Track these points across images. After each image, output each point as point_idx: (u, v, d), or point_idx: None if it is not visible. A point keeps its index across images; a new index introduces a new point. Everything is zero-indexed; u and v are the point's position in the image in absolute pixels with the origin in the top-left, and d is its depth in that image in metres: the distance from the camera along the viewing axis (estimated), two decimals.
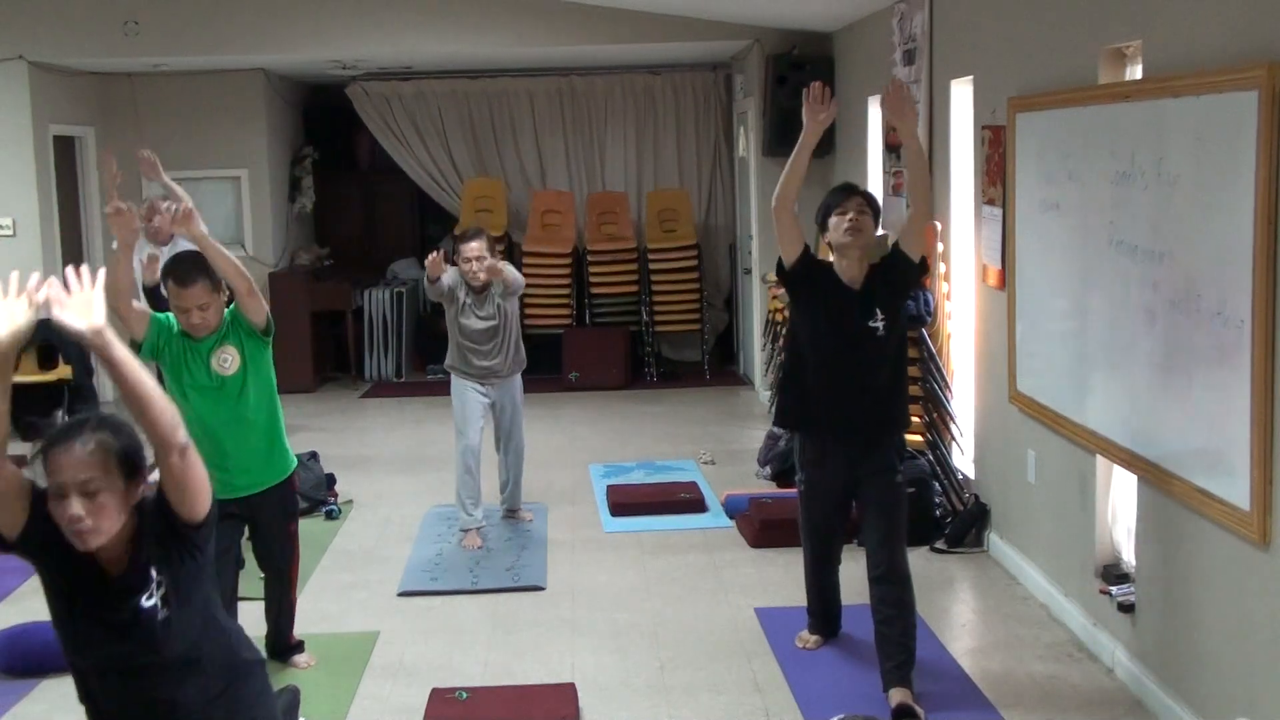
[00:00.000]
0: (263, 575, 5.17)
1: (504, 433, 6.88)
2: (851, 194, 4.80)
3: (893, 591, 4.67)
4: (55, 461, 2.69)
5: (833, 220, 4.76)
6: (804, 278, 4.82)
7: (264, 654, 5.04)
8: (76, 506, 2.66)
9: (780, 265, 4.85)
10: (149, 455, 2.78)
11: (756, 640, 5.32)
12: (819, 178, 9.94)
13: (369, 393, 11.19)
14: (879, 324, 4.72)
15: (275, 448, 4.98)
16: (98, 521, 2.68)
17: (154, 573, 2.77)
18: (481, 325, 6.63)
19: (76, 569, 2.77)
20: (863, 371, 4.75)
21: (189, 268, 4.71)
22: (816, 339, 4.81)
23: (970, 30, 6.50)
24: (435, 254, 6.48)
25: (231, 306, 4.81)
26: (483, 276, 6.53)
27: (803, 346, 4.89)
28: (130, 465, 2.75)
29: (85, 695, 2.93)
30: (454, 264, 6.66)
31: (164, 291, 4.83)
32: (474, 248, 6.50)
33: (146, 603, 2.76)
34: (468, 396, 6.70)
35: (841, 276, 4.77)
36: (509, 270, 6.59)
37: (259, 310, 4.78)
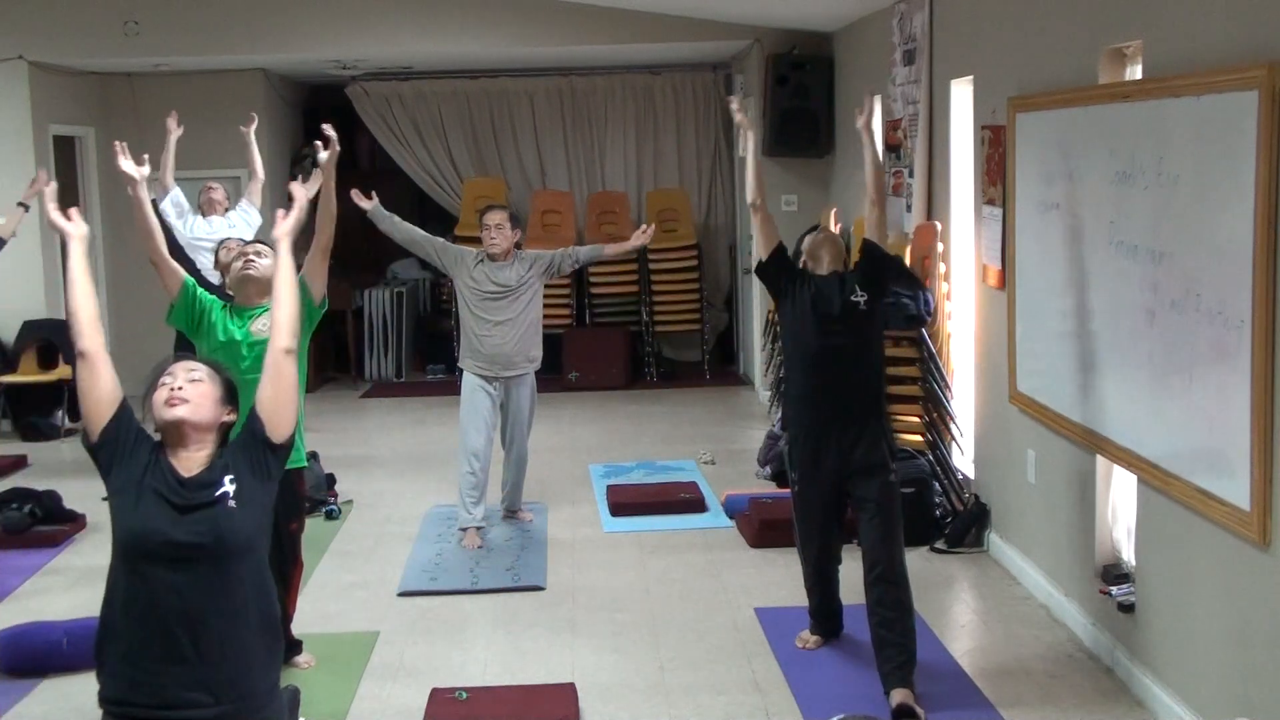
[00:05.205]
0: None
1: (508, 437, 6.86)
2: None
3: (890, 592, 4.67)
4: (171, 369, 3.02)
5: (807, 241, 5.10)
6: (784, 266, 5.05)
7: None
8: (179, 378, 2.98)
9: (759, 263, 5.13)
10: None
11: (756, 640, 5.31)
12: (820, 177, 9.97)
13: (369, 393, 11.19)
14: (860, 298, 4.86)
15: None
16: (191, 395, 2.96)
17: (229, 478, 2.94)
18: (494, 288, 6.61)
19: (150, 468, 2.95)
20: (844, 363, 4.86)
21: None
22: (799, 324, 4.92)
23: (970, 30, 6.50)
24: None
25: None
26: (504, 245, 6.59)
27: (787, 339, 5.05)
28: (230, 392, 3.06)
29: (111, 601, 2.95)
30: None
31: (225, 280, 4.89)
32: (495, 216, 6.62)
33: (218, 491, 2.93)
34: (476, 398, 6.66)
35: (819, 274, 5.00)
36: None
37: (323, 275, 4.87)
